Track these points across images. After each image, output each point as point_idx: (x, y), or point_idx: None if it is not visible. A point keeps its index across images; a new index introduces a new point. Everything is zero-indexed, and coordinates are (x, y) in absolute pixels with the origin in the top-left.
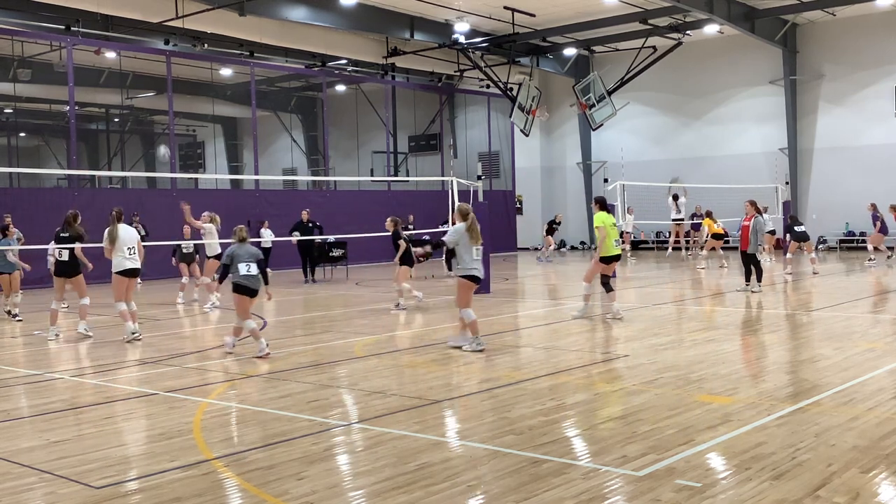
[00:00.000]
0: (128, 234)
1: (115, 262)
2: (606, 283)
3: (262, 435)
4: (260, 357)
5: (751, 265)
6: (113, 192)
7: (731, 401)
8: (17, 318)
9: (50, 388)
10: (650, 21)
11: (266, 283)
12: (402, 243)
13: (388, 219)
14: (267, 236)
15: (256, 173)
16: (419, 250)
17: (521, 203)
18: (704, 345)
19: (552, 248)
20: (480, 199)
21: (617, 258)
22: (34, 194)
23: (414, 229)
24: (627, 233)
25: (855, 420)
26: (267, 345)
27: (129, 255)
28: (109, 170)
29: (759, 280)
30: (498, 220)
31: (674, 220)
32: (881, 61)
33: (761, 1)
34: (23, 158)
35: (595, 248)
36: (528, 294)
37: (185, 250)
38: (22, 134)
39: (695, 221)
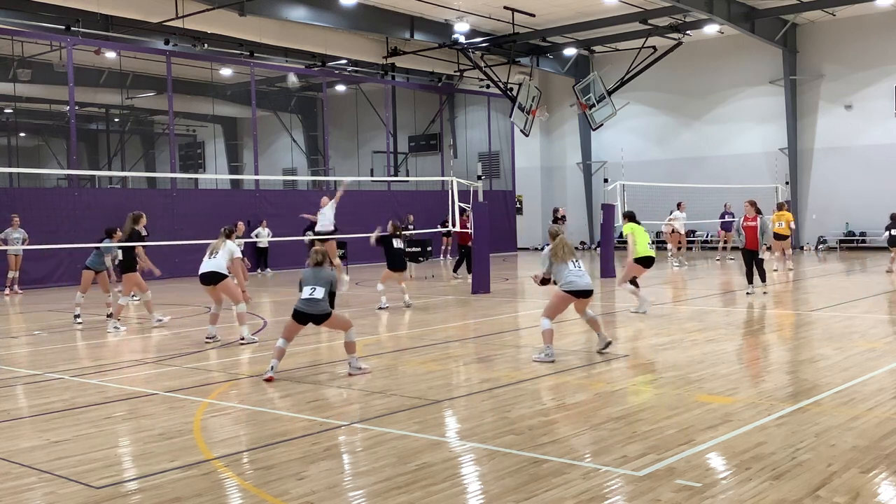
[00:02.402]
0: (213, 245)
1: None
2: (633, 281)
3: (262, 435)
4: (351, 375)
5: (753, 265)
6: (113, 192)
7: (731, 401)
8: (111, 319)
9: (50, 388)
10: (650, 21)
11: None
12: (372, 241)
13: (391, 222)
14: (264, 236)
15: (256, 173)
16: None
17: (521, 203)
18: (704, 345)
19: None
20: (480, 199)
21: (650, 261)
22: (34, 194)
23: (414, 229)
24: (678, 232)
25: (855, 420)
26: (358, 367)
27: (209, 257)
28: (109, 170)
29: (762, 280)
30: (498, 221)
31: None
32: (881, 61)
33: (761, 1)
34: (23, 158)
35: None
36: (528, 294)
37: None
38: (22, 134)
39: (725, 220)
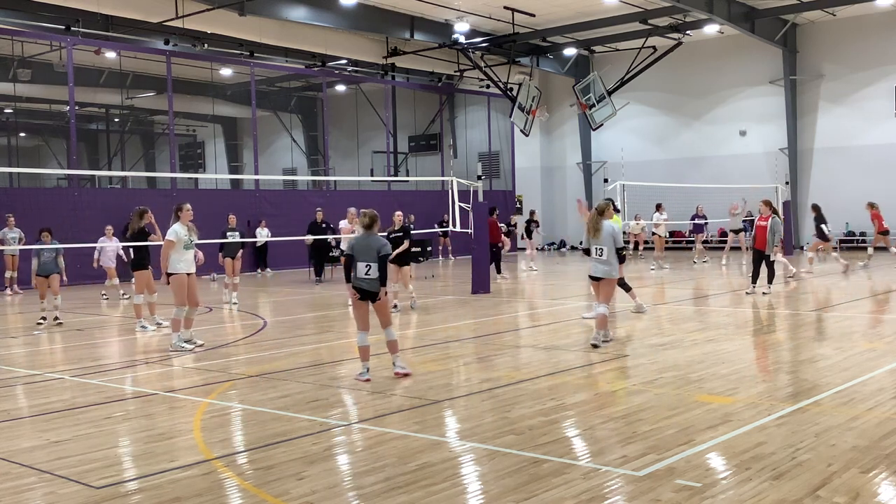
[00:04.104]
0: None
1: None
2: (623, 283)
3: (262, 435)
4: (398, 375)
5: (761, 266)
6: (113, 191)
7: (731, 401)
8: (57, 321)
9: (50, 388)
10: (650, 21)
11: (383, 283)
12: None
13: (399, 213)
14: (263, 235)
15: (256, 173)
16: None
17: (521, 203)
18: (704, 345)
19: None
20: (480, 199)
21: (623, 259)
22: (34, 194)
23: (414, 229)
24: (658, 235)
25: (855, 420)
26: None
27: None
28: (109, 170)
29: (769, 281)
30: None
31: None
32: (881, 61)
33: (761, 1)
34: (23, 158)
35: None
36: (528, 294)
37: (230, 239)
38: (22, 134)
39: (696, 222)
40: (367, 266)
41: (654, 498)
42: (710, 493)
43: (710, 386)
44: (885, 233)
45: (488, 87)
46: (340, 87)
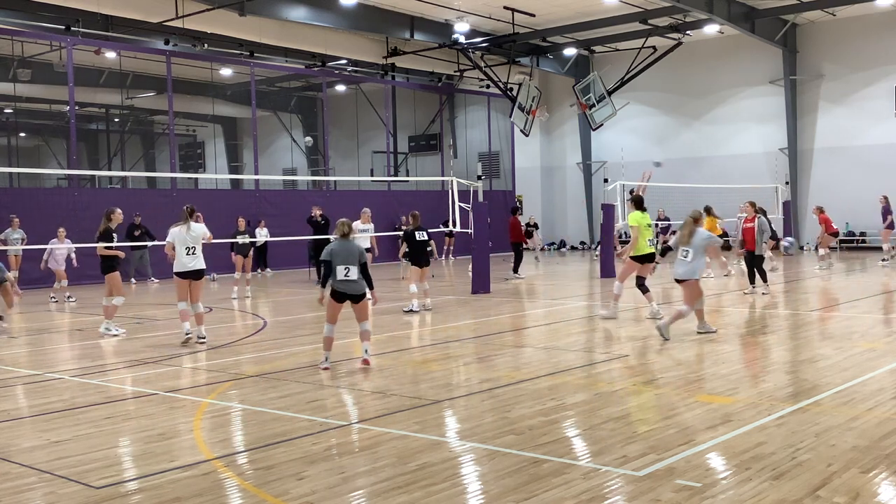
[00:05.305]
0: (180, 236)
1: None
2: (642, 285)
3: (262, 435)
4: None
5: (755, 266)
6: (113, 191)
7: (731, 401)
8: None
9: (50, 388)
10: (650, 21)
11: (371, 286)
12: (404, 245)
13: (411, 214)
14: (262, 236)
15: (256, 173)
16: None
17: (521, 203)
18: (704, 345)
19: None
20: (480, 199)
21: (651, 257)
22: (34, 194)
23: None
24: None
25: (855, 420)
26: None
27: (186, 254)
28: (109, 170)
29: (764, 281)
30: (498, 221)
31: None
32: (881, 61)
33: (761, 1)
34: (23, 158)
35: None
36: (528, 294)
37: (240, 241)
38: (22, 134)
39: (660, 225)
40: (346, 269)
41: (654, 498)
42: (710, 493)
43: (710, 386)
44: (835, 234)
45: (488, 87)
46: (340, 87)
